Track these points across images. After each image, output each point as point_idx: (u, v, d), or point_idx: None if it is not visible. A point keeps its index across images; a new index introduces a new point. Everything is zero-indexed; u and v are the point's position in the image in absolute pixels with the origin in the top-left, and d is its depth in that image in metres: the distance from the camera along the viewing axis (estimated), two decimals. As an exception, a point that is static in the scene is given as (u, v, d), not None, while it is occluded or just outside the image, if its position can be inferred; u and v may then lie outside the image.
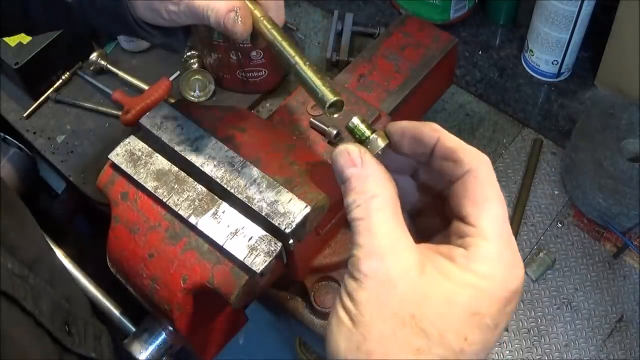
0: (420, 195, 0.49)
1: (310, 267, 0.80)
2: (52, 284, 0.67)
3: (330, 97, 0.51)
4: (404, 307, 0.39)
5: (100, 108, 1.08)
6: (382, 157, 0.45)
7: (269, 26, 0.57)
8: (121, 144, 0.73)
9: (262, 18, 0.57)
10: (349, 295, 0.40)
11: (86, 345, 0.68)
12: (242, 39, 0.57)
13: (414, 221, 0.49)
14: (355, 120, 0.46)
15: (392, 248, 0.40)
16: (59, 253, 0.86)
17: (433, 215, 0.47)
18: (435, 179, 0.46)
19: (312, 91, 0.53)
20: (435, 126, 0.44)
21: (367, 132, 0.46)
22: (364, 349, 0.39)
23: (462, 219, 0.42)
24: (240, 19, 0.56)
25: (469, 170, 0.42)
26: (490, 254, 0.40)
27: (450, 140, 0.43)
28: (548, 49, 1.01)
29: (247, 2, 0.58)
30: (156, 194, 0.69)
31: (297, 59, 0.54)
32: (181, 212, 0.67)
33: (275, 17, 0.59)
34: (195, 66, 1.08)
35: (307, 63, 0.54)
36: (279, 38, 0.56)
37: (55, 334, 0.63)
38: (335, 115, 0.52)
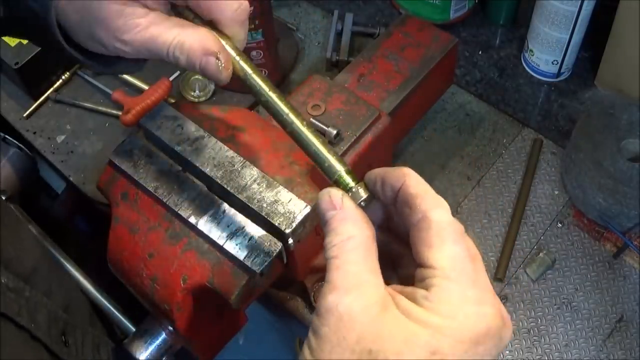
0: (396, 244, 0.48)
1: (310, 267, 0.80)
2: (49, 295, 0.67)
3: (339, 167, 0.47)
4: (362, 342, 0.38)
5: (100, 108, 1.08)
6: (366, 208, 0.46)
7: (249, 70, 0.50)
8: (121, 144, 0.73)
9: (239, 59, 0.50)
10: (313, 332, 0.40)
11: (84, 355, 0.68)
12: (221, 84, 0.51)
13: (396, 272, 0.49)
14: (341, 172, 0.47)
15: (357, 285, 0.40)
16: (59, 254, 0.86)
17: (410, 264, 0.46)
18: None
19: (314, 156, 0.48)
20: (405, 170, 0.44)
21: (351, 184, 0.47)
22: None
23: (422, 265, 0.41)
24: (223, 64, 0.48)
25: (423, 217, 0.42)
26: (451, 293, 0.39)
27: (414, 187, 0.43)
28: (548, 49, 1.01)
29: (217, 36, 0.50)
30: (156, 194, 0.69)
31: (292, 116, 0.49)
32: (181, 212, 0.67)
33: (241, 46, 0.52)
34: (195, 66, 1.08)
35: (305, 123, 0.49)
36: (265, 88, 0.50)
37: (52, 347, 0.63)
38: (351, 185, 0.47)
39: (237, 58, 0.50)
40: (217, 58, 0.48)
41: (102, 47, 0.50)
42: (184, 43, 0.47)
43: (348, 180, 0.47)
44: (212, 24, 0.50)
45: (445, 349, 0.38)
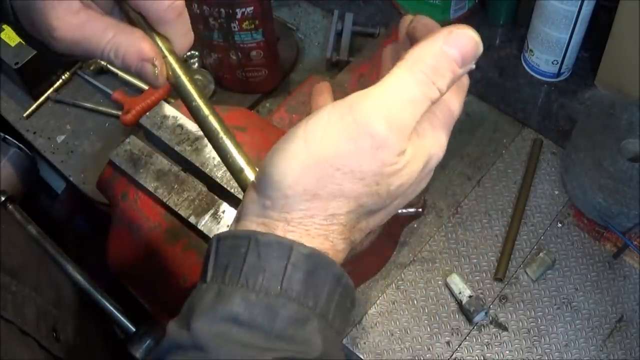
0: None
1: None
2: (38, 291, 0.66)
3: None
4: None
5: (100, 108, 1.08)
6: None
7: (185, 80, 0.49)
8: (121, 144, 0.73)
9: (173, 63, 0.49)
10: None
11: (76, 350, 0.68)
12: (157, 88, 0.50)
13: None
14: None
15: None
16: (59, 254, 0.86)
17: None
18: None
19: (229, 163, 0.48)
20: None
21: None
22: None
23: None
24: (158, 70, 0.47)
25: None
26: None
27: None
28: (548, 49, 1.01)
29: (154, 38, 0.48)
30: (156, 194, 0.69)
31: (214, 123, 0.48)
32: (181, 212, 0.67)
33: (181, 43, 0.50)
34: (195, 66, 1.08)
35: (226, 130, 0.48)
36: (195, 94, 0.49)
37: (42, 342, 0.62)
38: None
39: (171, 61, 0.49)
40: (153, 64, 0.47)
41: (34, 32, 0.48)
42: (119, 47, 0.46)
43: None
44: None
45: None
